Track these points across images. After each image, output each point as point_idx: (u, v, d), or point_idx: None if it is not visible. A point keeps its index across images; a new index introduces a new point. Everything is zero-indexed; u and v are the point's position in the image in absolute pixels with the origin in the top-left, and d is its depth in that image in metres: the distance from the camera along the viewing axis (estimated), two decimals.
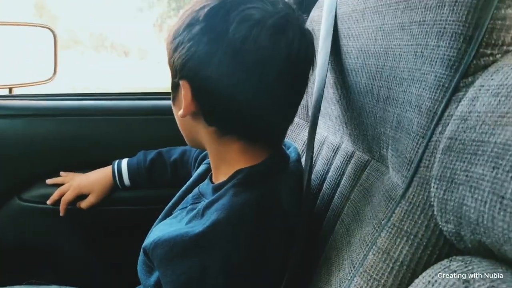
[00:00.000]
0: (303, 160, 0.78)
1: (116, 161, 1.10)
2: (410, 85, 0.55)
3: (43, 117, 1.16)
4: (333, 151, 0.82)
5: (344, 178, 0.73)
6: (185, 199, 0.79)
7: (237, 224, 0.60)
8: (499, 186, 0.35)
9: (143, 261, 0.74)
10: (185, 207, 0.74)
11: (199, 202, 0.71)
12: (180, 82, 0.65)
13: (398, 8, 0.60)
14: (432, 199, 0.44)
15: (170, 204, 0.83)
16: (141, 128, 1.17)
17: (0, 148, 1.14)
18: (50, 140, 1.15)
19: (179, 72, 0.65)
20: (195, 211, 0.66)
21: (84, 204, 1.10)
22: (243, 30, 0.59)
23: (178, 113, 0.68)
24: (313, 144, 0.73)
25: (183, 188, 0.85)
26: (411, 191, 0.48)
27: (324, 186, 0.79)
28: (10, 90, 1.37)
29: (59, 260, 1.19)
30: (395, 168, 0.54)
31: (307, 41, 0.66)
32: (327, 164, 0.82)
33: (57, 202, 1.11)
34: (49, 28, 1.35)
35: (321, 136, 0.88)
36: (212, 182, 0.73)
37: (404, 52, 0.58)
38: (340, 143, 0.80)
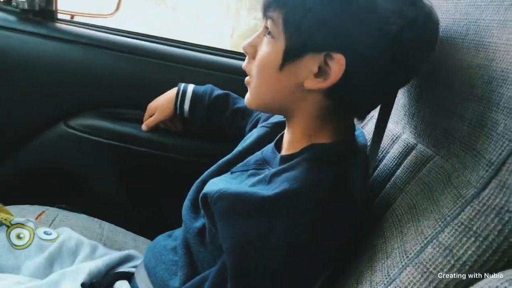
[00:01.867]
0: None
1: (183, 84, 1.09)
2: (501, 86, 0.53)
3: (100, 49, 1.17)
4: (391, 140, 0.80)
5: (400, 169, 0.71)
6: (246, 160, 0.77)
7: (308, 198, 0.59)
8: None
9: (191, 204, 0.74)
10: (246, 170, 0.72)
11: (263, 169, 0.70)
12: (334, 55, 0.59)
13: (502, 5, 0.57)
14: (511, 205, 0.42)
15: (224, 159, 0.82)
16: (194, 80, 1.17)
17: (55, 71, 1.15)
18: (104, 73, 1.17)
19: (328, 43, 0.60)
20: (259, 177, 0.65)
21: (144, 125, 1.12)
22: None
23: (299, 81, 0.63)
24: (383, 135, 0.71)
25: (240, 148, 0.83)
26: (487, 192, 0.46)
27: (376, 173, 0.77)
28: (72, 17, 1.38)
29: (91, 191, 1.21)
30: (468, 167, 0.52)
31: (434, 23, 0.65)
32: (383, 152, 0.80)
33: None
34: None
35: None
36: (277, 151, 0.71)
37: (499, 51, 0.55)
38: (400, 134, 0.78)
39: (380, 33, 0.58)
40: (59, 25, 1.19)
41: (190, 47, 1.25)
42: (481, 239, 0.44)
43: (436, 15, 0.64)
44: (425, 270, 0.47)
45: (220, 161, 0.82)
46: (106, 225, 1.06)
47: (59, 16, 1.24)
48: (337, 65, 0.59)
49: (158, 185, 1.19)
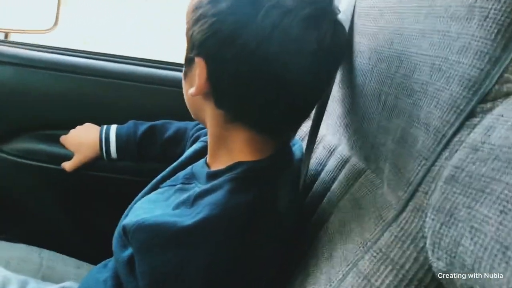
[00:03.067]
0: None
1: (105, 128, 1.04)
2: (420, 99, 0.51)
3: (33, 68, 1.11)
4: (328, 151, 0.78)
5: (335, 183, 0.69)
6: (176, 175, 0.75)
7: (228, 225, 0.56)
8: (504, 234, 0.31)
9: (119, 234, 0.70)
10: (174, 185, 0.70)
11: (190, 184, 0.68)
12: (196, 58, 0.60)
13: (421, 13, 0.55)
14: (426, 230, 0.40)
15: (158, 177, 0.79)
16: (136, 95, 1.13)
17: None
18: (38, 93, 1.11)
19: (196, 47, 0.60)
20: (185, 196, 0.62)
21: (68, 165, 1.06)
22: (273, 17, 0.54)
23: (188, 90, 0.64)
24: (313, 147, 0.69)
25: (175, 164, 0.81)
26: (404, 215, 0.44)
27: (314, 187, 0.75)
28: (6, 35, 1.32)
29: (31, 218, 1.15)
30: (391, 185, 0.50)
31: (339, 37, 0.61)
32: (320, 165, 0.78)
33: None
34: None
35: (319, 135, 0.84)
36: (207, 166, 0.69)
37: (420, 61, 0.53)
38: (337, 145, 0.76)
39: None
40: None
41: (127, 61, 1.20)
42: (398, 267, 0.42)
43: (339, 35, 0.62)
44: None
45: (154, 180, 0.79)
46: (46, 253, 1.00)
47: None
48: (199, 68, 0.60)
49: (100, 207, 1.14)
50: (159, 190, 0.74)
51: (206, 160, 0.71)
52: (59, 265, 0.98)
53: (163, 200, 0.68)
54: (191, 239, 0.55)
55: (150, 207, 0.67)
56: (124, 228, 0.62)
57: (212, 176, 0.64)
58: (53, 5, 1.32)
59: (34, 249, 1.00)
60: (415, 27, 0.56)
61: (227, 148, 0.65)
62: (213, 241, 0.55)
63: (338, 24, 0.62)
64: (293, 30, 0.55)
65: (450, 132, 0.43)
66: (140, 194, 0.78)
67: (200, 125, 0.99)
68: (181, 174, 0.74)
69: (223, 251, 0.56)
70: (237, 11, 0.56)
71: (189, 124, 1.03)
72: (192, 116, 0.73)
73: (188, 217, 0.56)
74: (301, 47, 0.56)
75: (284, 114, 0.62)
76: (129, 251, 0.67)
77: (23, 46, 1.18)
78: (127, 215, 0.74)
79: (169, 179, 0.75)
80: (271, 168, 0.64)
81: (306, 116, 0.68)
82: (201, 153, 0.79)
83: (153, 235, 0.57)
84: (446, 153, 0.43)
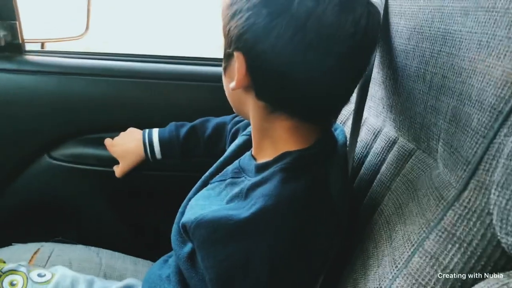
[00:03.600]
0: None
1: (147, 133, 1.05)
2: (470, 77, 0.51)
3: (73, 75, 1.15)
4: (373, 134, 0.78)
5: (384, 165, 0.70)
6: (224, 170, 0.76)
7: (286, 213, 0.58)
8: None
9: (177, 231, 0.72)
10: (224, 180, 0.72)
11: (239, 178, 0.69)
12: (235, 53, 0.61)
13: None
14: (492, 207, 0.41)
15: (207, 174, 0.81)
16: (173, 94, 1.15)
17: (31, 105, 1.14)
18: (80, 99, 1.15)
19: (234, 42, 0.61)
20: (237, 189, 0.64)
21: (117, 172, 1.08)
22: (307, 5, 0.55)
23: (229, 84, 0.65)
24: (359, 130, 0.69)
25: (221, 159, 0.82)
26: (466, 194, 0.45)
27: (362, 171, 0.76)
28: (42, 45, 1.35)
29: (85, 220, 1.20)
30: (448, 165, 0.51)
31: (374, 20, 0.61)
32: (366, 147, 0.79)
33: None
34: None
35: (373, 123, 0.85)
36: (254, 158, 0.70)
37: (465, 39, 0.53)
38: (381, 127, 0.77)
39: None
40: (28, 57, 1.17)
41: (163, 60, 1.23)
42: (465, 245, 0.43)
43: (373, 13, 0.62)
44: (414, 281, 0.45)
45: (203, 177, 0.81)
46: (104, 252, 1.04)
47: (28, 47, 1.21)
48: (238, 62, 0.61)
49: (152, 204, 1.18)
50: (209, 186, 0.76)
51: (251, 153, 0.73)
52: (118, 263, 1.01)
53: (216, 195, 0.70)
54: (250, 230, 0.57)
55: (205, 203, 0.69)
56: (183, 226, 0.65)
57: (261, 168, 0.65)
58: (83, 12, 1.36)
59: (92, 249, 1.05)
60: (456, 5, 0.56)
61: (271, 139, 0.67)
62: (272, 230, 0.57)
63: (371, 5, 0.62)
64: (328, 16, 0.56)
65: (507, 108, 0.43)
66: (192, 191, 0.80)
67: (238, 118, 1.00)
68: (229, 168, 0.75)
69: (283, 239, 0.57)
70: (270, 3, 0.57)
71: (227, 118, 1.05)
72: (234, 110, 0.74)
73: (244, 209, 0.58)
74: (337, 32, 0.57)
75: (324, 100, 0.63)
76: (188, 247, 0.70)
77: (59, 55, 1.22)
78: (182, 212, 0.76)
79: (218, 174, 0.77)
80: (319, 154, 0.65)
81: (347, 100, 0.68)
82: (245, 146, 0.81)
83: (213, 230, 0.59)
84: (504, 130, 0.43)
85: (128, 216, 1.21)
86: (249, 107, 0.67)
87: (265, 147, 0.68)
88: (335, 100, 0.66)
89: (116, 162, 1.09)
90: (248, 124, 0.90)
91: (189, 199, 0.78)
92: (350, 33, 0.57)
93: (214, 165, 0.82)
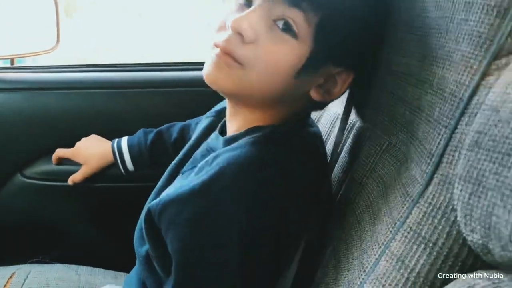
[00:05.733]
0: None
1: (115, 142, 1.02)
2: (432, 64, 0.48)
3: (44, 91, 1.11)
4: (347, 130, 0.75)
5: (357, 160, 0.67)
6: (193, 156, 0.71)
7: (252, 175, 0.53)
8: None
9: (139, 228, 0.69)
10: (195, 166, 0.64)
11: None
12: (345, 72, 0.61)
13: None
14: (455, 203, 0.38)
15: (174, 162, 0.75)
16: (144, 102, 1.12)
17: (2, 123, 1.10)
18: (51, 114, 1.11)
19: (350, 60, 0.60)
20: (203, 162, 0.59)
21: (77, 177, 1.04)
22: None
23: (304, 89, 0.61)
24: (349, 116, 0.69)
25: (188, 144, 0.77)
26: (430, 190, 0.42)
27: (335, 168, 0.73)
28: (12, 61, 1.32)
29: (63, 238, 1.16)
30: (413, 159, 0.48)
31: None
32: (339, 144, 0.75)
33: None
34: None
35: (334, 113, 0.82)
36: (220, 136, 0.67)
37: (425, 24, 0.51)
38: (355, 121, 0.74)
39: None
40: None
41: (138, 68, 1.20)
42: (430, 245, 0.40)
43: None
44: (381, 287, 0.42)
45: (169, 167, 0.76)
46: (84, 269, 1.01)
47: None
48: (345, 82, 0.61)
49: (126, 216, 1.14)
50: (181, 176, 0.70)
51: (217, 132, 0.70)
52: (98, 279, 0.98)
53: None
54: (213, 192, 0.53)
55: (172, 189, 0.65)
56: (148, 212, 0.59)
57: (231, 140, 0.61)
58: (52, 25, 1.33)
59: (71, 267, 1.01)
60: None
61: (246, 113, 0.64)
62: (236, 190, 0.53)
63: None
64: None
65: (467, 94, 0.41)
66: (157, 186, 0.74)
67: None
68: (197, 153, 0.70)
69: (253, 205, 0.53)
70: None
71: (192, 121, 1.02)
72: (239, 98, 0.64)
73: (206, 174, 0.54)
74: None
75: None
76: (146, 247, 0.66)
77: (29, 70, 1.19)
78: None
79: (186, 162, 0.72)
80: (296, 130, 0.63)
81: None
82: (212, 128, 0.76)
83: (180, 208, 0.55)
84: (465, 119, 0.40)
85: (106, 231, 1.17)
86: (291, 105, 0.63)
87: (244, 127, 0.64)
88: None
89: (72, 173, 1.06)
90: None
91: (158, 190, 0.73)
92: None
93: (182, 152, 0.77)
